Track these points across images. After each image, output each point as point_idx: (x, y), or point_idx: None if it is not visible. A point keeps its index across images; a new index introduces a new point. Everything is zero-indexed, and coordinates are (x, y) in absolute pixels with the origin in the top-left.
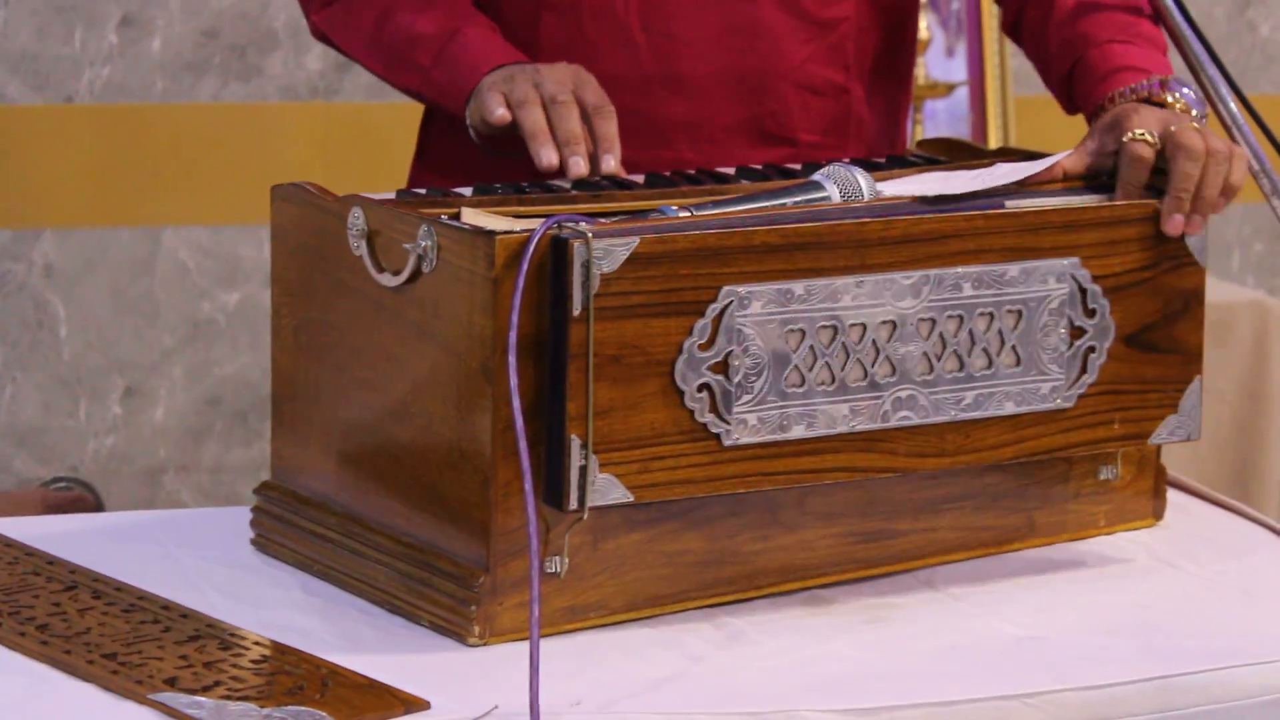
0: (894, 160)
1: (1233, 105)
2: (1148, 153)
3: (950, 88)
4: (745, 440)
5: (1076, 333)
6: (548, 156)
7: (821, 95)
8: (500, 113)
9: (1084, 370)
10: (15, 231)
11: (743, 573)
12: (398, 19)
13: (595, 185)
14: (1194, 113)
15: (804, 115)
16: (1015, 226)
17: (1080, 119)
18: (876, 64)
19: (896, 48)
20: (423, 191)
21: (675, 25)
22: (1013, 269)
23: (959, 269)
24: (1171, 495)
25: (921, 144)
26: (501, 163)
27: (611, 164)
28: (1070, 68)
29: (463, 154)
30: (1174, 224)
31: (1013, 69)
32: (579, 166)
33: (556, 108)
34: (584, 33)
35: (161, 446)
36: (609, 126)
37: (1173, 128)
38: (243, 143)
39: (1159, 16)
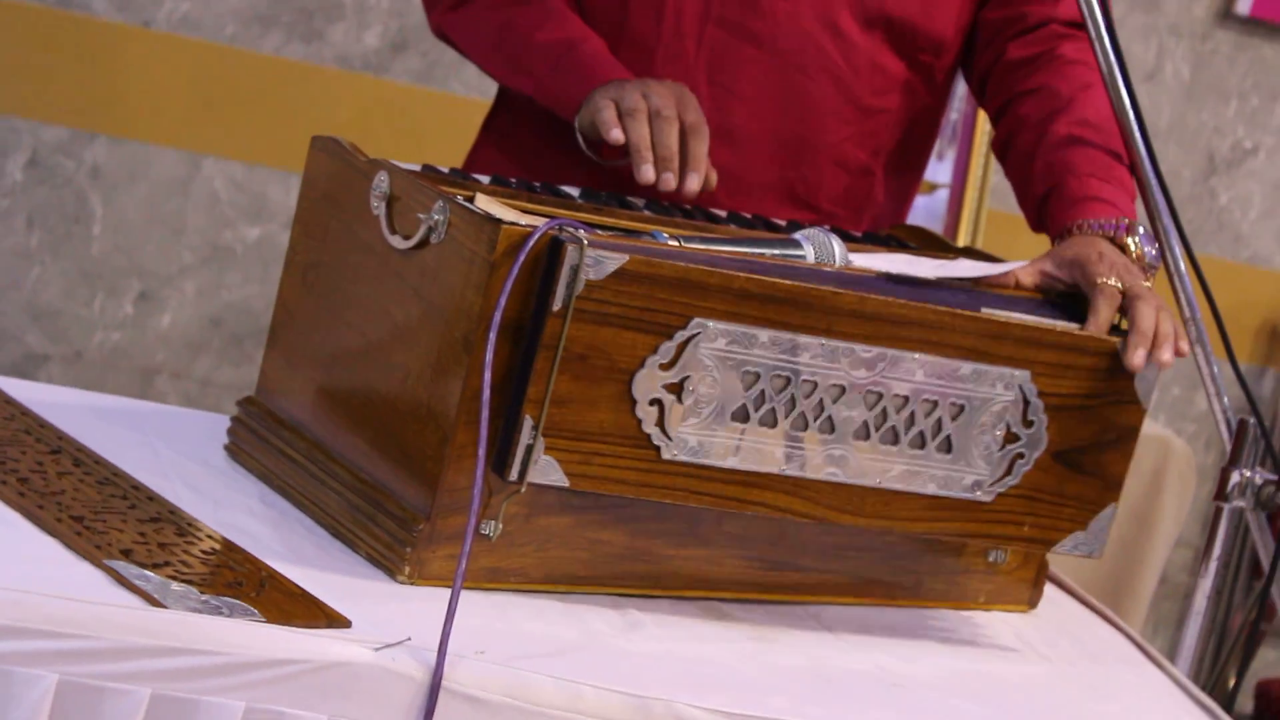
0: (869, 236)
1: (1179, 251)
2: (1118, 296)
3: (933, 187)
4: (681, 458)
5: (1011, 438)
6: (646, 174)
7: (849, 172)
8: (615, 134)
9: (1009, 473)
10: (72, 130)
11: (654, 572)
12: (518, 29)
13: (602, 198)
14: (1148, 262)
15: (831, 187)
16: (979, 330)
17: (1039, 243)
18: (900, 153)
19: (920, 142)
20: (445, 170)
21: (737, 83)
22: (966, 367)
23: (917, 355)
24: (1049, 590)
25: (896, 228)
26: (550, 156)
27: (695, 183)
28: (1048, 189)
29: (522, 139)
30: (1138, 358)
31: (992, 184)
32: (668, 183)
33: (660, 121)
34: (654, 71)
35: (161, 351)
36: (701, 147)
37: (1132, 287)
38: (292, 96)
39: (1133, 167)
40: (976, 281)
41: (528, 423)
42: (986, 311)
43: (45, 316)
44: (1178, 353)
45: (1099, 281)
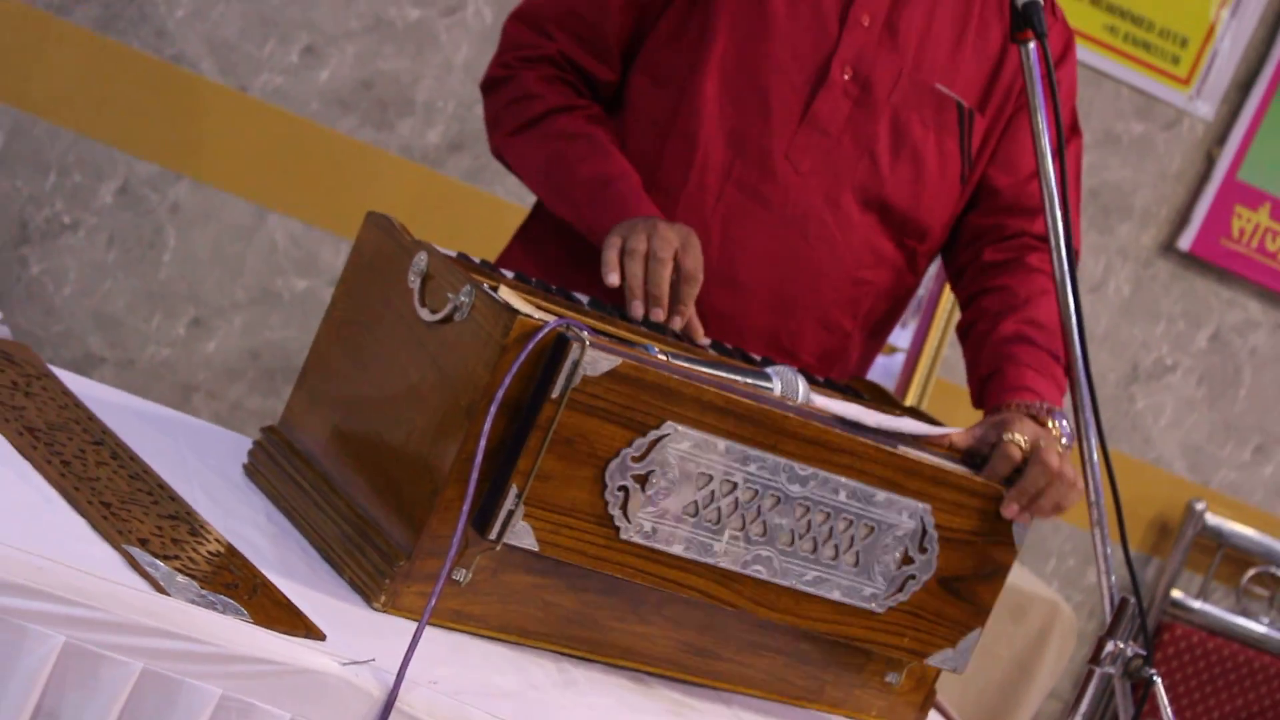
0: (829, 382)
1: (1094, 442)
2: (1017, 455)
3: (893, 350)
4: (636, 540)
5: (907, 560)
6: (635, 310)
7: (830, 332)
8: (612, 278)
9: (900, 590)
10: (162, 169)
11: (594, 638)
12: (566, 160)
13: (615, 311)
14: (1064, 442)
15: (812, 343)
16: (895, 464)
17: (976, 414)
18: (875, 319)
19: (893, 311)
20: (477, 260)
21: (745, 238)
22: (880, 494)
23: (842, 478)
24: (934, 715)
25: (855, 380)
26: (569, 268)
27: (677, 324)
28: (991, 372)
29: (548, 250)
30: (1010, 511)
31: (944, 357)
32: (656, 315)
33: (654, 264)
34: (674, 215)
35: (202, 372)
36: (689, 292)
37: (1041, 443)
38: (356, 173)
39: (1067, 368)
40: (917, 439)
41: (513, 490)
42: (902, 450)
43: (108, 324)
44: (1055, 508)
45: (1005, 437)
